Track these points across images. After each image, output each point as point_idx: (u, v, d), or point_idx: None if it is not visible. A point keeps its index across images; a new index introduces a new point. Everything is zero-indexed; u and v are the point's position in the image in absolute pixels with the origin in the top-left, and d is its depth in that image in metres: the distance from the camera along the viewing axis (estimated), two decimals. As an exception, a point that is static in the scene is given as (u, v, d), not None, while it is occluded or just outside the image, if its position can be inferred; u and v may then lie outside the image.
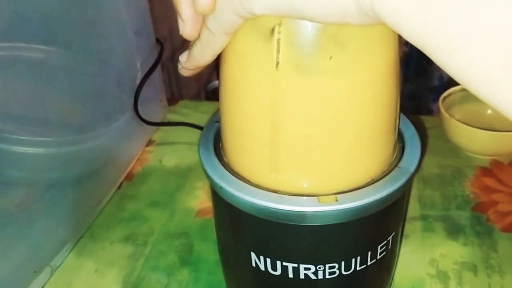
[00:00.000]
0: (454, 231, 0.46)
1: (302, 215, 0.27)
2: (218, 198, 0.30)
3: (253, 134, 0.28)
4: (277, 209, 0.27)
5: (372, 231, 0.30)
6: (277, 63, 0.25)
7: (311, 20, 0.23)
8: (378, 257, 0.31)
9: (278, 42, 0.25)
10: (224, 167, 0.30)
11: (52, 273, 0.44)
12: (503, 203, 0.49)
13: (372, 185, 0.28)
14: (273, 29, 0.25)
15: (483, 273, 0.42)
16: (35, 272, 0.42)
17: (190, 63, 0.28)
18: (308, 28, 0.24)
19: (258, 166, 0.29)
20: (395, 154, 0.31)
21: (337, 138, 0.27)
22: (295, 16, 0.23)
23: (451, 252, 0.44)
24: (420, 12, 0.19)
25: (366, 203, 0.27)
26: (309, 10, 0.22)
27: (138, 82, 0.53)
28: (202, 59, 0.27)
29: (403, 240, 0.45)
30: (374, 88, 0.27)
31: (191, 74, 0.29)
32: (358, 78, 0.26)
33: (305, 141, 0.27)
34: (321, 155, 0.27)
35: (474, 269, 0.42)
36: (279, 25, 0.24)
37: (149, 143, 0.60)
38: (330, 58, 0.25)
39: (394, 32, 0.27)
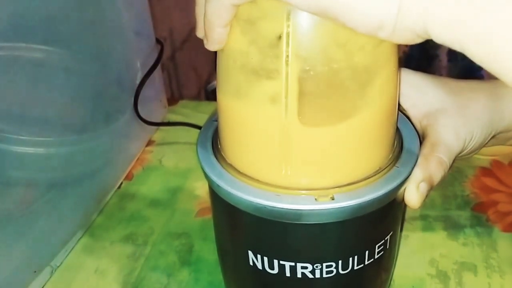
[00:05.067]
0: (454, 231, 0.46)
1: (298, 214, 0.27)
2: (216, 196, 0.30)
3: (249, 133, 0.28)
4: (274, 207, 0.27)
5: (369, 231, 0.30)
6: (287, 57, 0.25)
7: (343, 24, 0.22)
8: (376, 256, 0.31)
9: (288, 36, 0.24)
10: (222, 166, 0.30)
11: (52, 273, 0.44)
12: (503, 203, 0.49)
13: (369, 184, 0.28)
14: (280, 36, 0.24)
15: (483, 273, 0.42)
16: (35, 272, 0.42)
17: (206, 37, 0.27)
18: (317, 24, 0.24)
19: (255, 165, 0.29)
20: (393, 153, 0.31)
21: (335, 138, 0.27)
22: (328, 16, 0.22)
23: (451, 252, 0.44)
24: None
25: (363, 202, 0.27)
26: (347, 14, 0.22)
27: (138, 82, 0.53)
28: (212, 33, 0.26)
29: (403, 240, 0.45)
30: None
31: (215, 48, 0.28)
32: None
33: (302, 141, 0.27)
34: (318, 154, 0.27)
35: (474, 269, 0.42)
36: (288, 19, 0.24)
37: (149, 143, 0.61)
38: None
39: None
